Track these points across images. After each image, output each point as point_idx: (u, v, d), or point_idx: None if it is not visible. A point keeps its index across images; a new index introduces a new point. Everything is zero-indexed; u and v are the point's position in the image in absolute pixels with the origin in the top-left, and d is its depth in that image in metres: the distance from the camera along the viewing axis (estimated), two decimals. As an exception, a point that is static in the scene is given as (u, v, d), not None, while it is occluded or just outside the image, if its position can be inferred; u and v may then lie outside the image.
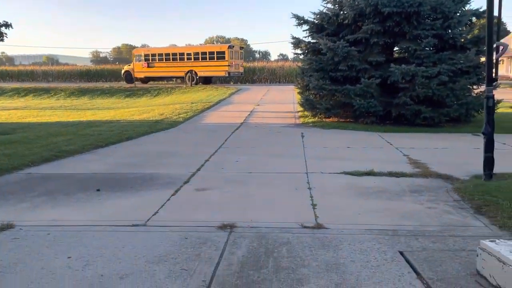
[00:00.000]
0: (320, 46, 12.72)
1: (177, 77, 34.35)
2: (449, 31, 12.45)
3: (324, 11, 13.75)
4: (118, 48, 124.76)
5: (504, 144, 9.23)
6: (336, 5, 13.75)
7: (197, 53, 32.82)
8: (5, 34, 16.36)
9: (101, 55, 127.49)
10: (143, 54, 34.81)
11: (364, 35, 12.65)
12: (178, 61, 33.20)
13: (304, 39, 14.15)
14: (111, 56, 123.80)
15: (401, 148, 9.01)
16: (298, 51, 14.66)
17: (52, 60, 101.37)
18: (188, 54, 33.07)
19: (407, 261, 3.58)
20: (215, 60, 31.94)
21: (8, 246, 4.05)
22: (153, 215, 4.90)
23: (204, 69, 32.31)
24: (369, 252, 3.79)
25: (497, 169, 6.11)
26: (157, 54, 34.30)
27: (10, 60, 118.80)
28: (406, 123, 12.28)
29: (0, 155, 8.09)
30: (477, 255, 3.33)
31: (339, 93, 12.76)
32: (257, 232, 4.29)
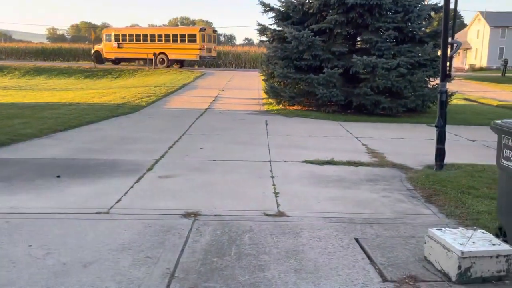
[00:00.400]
0: (286, 35, 12.83)
1: (148, 59, 33.40)
2: (409, 24, 12.89)
3: (290, -1, 13.84)
4: (77, 25, 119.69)
5: (456, 135, 9.76)
6: (302, -6, 13.87)
7: (168, 35, 31.92)
8: None
9: (58, 32, 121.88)
10: (113, 34, 33.46)
11: (328, 25, 12.87)
12: (149, 42, 32.24)
13: (270, 26, 14.24)
14: (68, 34, 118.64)
15: (361, 138, 9.35)
16: (264, 38, 14.74)
17: (5, 36, 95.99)
18: (159, 36, 32.13)
19: (362, 248, 3.81)
20: (186, 43, 31.23)
21: (-36, 234, 3.94)
22: (116, 202, 4.89)
23: (175, 52, 31.50)
24: (326, 239, 3.99)
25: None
26: (127, 35, 33.11)
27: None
28: (366, 113, 12.70)
29: (-49, 138, 7.73)
30: (425, 242, 3.59)
31: (303, 82, 12.98)
32: (221, 220, 4.39)
